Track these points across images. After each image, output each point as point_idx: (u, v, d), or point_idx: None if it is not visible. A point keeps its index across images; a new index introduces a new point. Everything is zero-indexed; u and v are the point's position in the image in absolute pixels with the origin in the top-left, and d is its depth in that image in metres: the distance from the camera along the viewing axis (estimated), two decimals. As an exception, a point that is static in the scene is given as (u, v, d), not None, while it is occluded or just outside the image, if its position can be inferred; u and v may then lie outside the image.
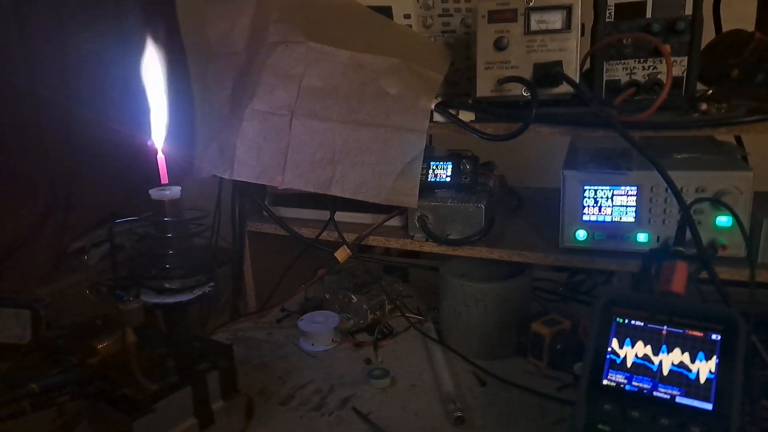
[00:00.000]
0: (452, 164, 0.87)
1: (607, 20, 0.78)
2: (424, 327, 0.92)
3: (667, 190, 0.71)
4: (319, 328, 0.90)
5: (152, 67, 0.72)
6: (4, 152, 1.08)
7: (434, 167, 0.87)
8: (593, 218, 0.77)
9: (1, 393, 0.64)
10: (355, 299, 0.95)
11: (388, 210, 0.90)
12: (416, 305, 1.02)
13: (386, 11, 0.95)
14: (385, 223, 0.91)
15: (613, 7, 0.77)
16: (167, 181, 0.71)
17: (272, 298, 1.04)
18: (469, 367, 0.82)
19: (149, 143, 0.70)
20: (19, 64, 1.06)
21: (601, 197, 0.76)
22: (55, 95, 1.12)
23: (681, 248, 0.62)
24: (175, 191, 0.70)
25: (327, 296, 0.99)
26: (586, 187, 0.77)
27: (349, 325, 0.94)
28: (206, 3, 0.92)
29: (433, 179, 0.87)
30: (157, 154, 0.70)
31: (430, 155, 0.89)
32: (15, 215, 1.12)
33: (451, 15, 0.99)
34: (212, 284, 0.74)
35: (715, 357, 0.53)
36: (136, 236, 0.72)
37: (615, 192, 0.76)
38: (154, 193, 0.70)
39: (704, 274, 0.66)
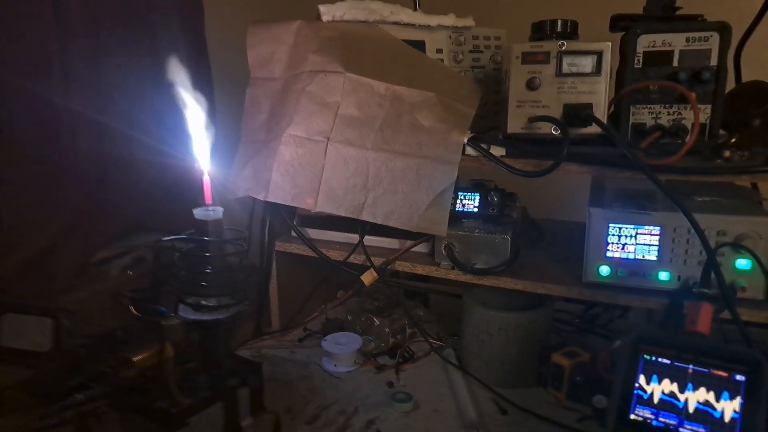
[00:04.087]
0: (480, 195, 0.89)
1: (635, 66, 0.81)
2: (444, 353, 0.94)
3: (689, 231, 0.74)
4: (343, 350, 0.92)
5: (188, 89, 0.76)
6: (40, 165, 1.11)
7: (462, 198, 0.90)
8: (617, 255, 0.80)
9: (44, 402, 0.66)
10: (377, 322, 0.97)
11: (414, 236, 0.93)
12: (435, 330, 1.04)
13: (420, 45, 0.99)
14: (411, 249, 0.94)
15: (641, 55, 0.81)
16: (211, 202, 0.73)
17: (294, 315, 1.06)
18: (489, 395, 0.84)
19: (195, 165, 0.73)
20: (58, 84, 1.10)
21: (625, 235, 0.79)
22: (89, 112, 1.15)
23: (705, 290, 0.65)
24: (218, 212, 0.73)
25: (348, 318, 1.01)
26: (611, 225, 0.79)
27: (370, 347, 0.96)
28: (249, 29, 0.96)
29: (460, 209, 0.90)
30: (203, 175, 0.73)
31: (457, 185, 0.92)
32: (43, 224, 1.14)
33: (481, 51, 1.03)
34: (247, 302, 0.76)
35: (739, 397, 0.55)
36: (178, 253, 0.74)
37: (639, 231, 0.79)
38: (198, 212, 0.72)
39: (725, 314, 0.69)
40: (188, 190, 1.23)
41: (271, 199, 0.89)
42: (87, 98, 1.14)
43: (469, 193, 0.90)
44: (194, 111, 0.76)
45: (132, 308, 0.80)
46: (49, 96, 1.08)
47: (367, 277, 0.93)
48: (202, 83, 1.35)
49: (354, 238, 0.97)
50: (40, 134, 1.09)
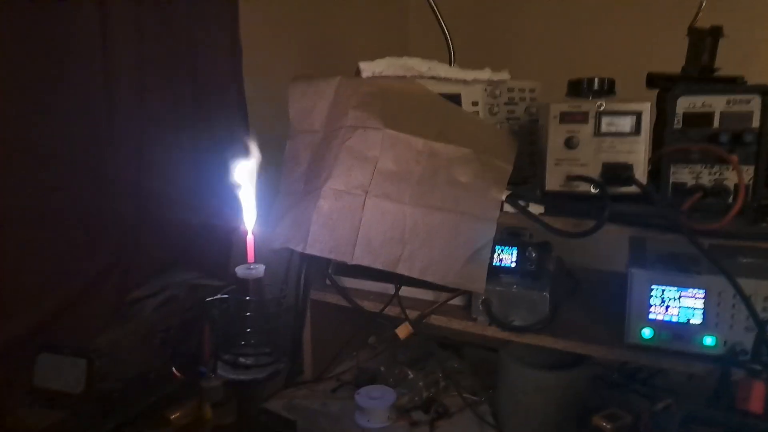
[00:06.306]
0: (517, 250, 0.89)
1: (675, 126, 0.81)
2: (479, 409, 0.93)
3: (734, 295, 0.72)
4: (377, 404, 0.91)
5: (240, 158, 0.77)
6: (79, 210, 1.14)
7: (499, 252, 0.90)
8: (660, 317, 0.78)
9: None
10: (411, 375, 0.97)
11: (450, 288, 0.92)
12: (469, 383, 1.03)
13: (456, 98, 1.00)
14: (447, 302, 0.94)
15: (681, 116, 0.81)
16: (253, 260, 0.74)
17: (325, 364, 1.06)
18: (527, 457, 0.83)
19: (241, 228, 0.74)
20: (103, 124, 1.12)
21: (669, 297, 0.78)
22: (131, 152, 1.18)
23: (757, 366, 0.63)
24: (260, 270, 0.74)
25: (382, 369, 1.01)
26: (653, 286, 0.78)
27: (404, 401, 0.95)
28: (291, 82, 0.99)
29: (497, 263, 0.90)
30: (247, 234, 0.74)
31: (494, 237, 0.92)
32: (81, 265, 1.17)
33: (516, 103, 1.04)
34: (285, 359, 0.76)
35: (798, 485, 0.53)
36: (218, 311, 0.75)
37: (682, 293, 0.77)
38: (241, 270, 0.73)
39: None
40: (220, 228, 1.25)
41: (309, 251, 0.90)
42: (129, 139, 1.17)
43: (507, 248, 0.90)
44: (240, 166, 0.77)
45: (174, 370, 0.81)
46: (94, 135, 1.11)
47: (402, 331, 0.93)
48: (241, 130, 1.38)
49: (389, 287, 0.97)
50: (82, 174, 1.12)
